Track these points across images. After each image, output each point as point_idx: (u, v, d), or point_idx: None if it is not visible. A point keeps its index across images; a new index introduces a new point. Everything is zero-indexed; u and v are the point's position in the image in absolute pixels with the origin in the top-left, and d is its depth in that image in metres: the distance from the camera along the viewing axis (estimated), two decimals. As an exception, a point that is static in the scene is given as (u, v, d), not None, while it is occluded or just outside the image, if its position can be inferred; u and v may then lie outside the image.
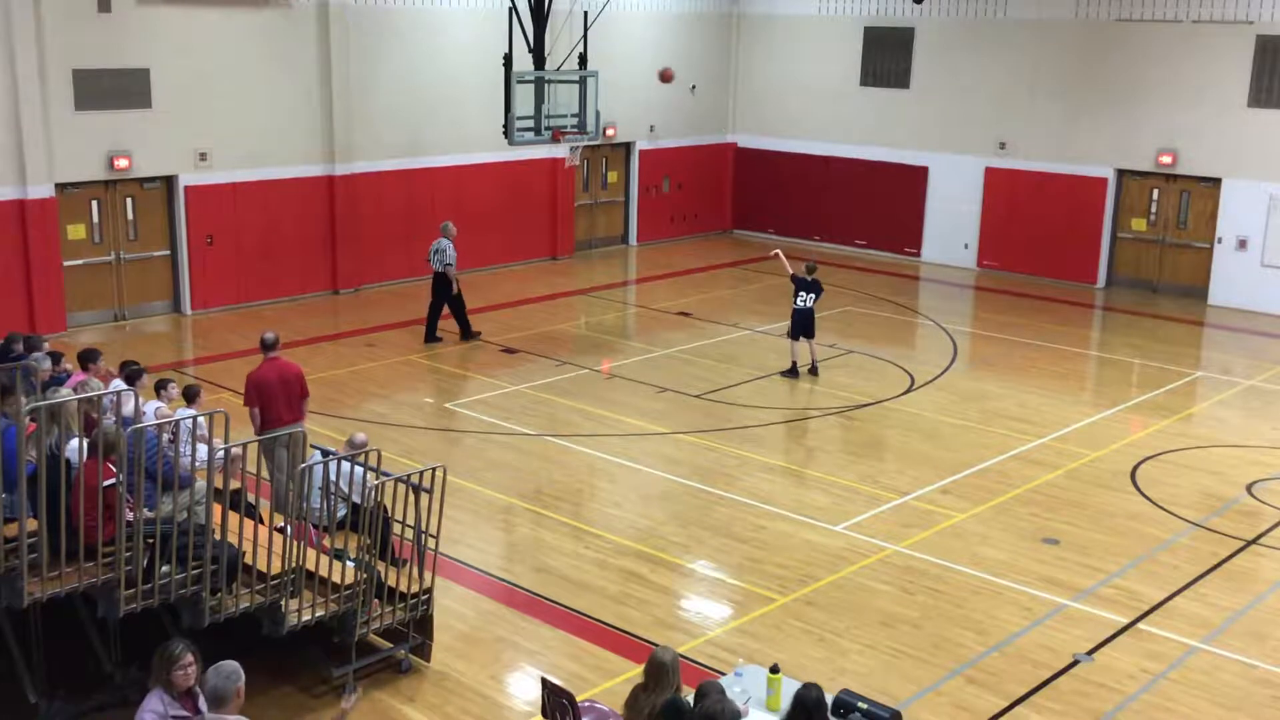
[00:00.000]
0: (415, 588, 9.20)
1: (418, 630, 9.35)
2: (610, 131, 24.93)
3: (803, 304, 17.05)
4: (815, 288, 17.16)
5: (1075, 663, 9.61)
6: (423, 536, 9.20)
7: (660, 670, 6.92)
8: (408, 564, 9.32)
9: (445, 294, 18.67)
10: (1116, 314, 22.08)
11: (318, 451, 10.05)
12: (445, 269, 18.48)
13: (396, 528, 9.49)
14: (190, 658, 6.42)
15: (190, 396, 10.79)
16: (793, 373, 17.11)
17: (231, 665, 6.15)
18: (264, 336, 11.85)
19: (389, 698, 8.94)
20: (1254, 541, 12.02)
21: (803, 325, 17.08)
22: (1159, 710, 8.97)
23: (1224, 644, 9.97)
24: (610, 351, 18.72)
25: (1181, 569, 11.35)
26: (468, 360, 17.86)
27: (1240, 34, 21.41)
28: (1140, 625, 10.25)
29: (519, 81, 18.91)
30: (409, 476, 9.17)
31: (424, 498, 9.09)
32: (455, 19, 22.43)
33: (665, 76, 20.21)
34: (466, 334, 18.90)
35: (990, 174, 24.69)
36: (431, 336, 18.76)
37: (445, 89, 22.46)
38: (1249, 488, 13.43)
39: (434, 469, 9.09)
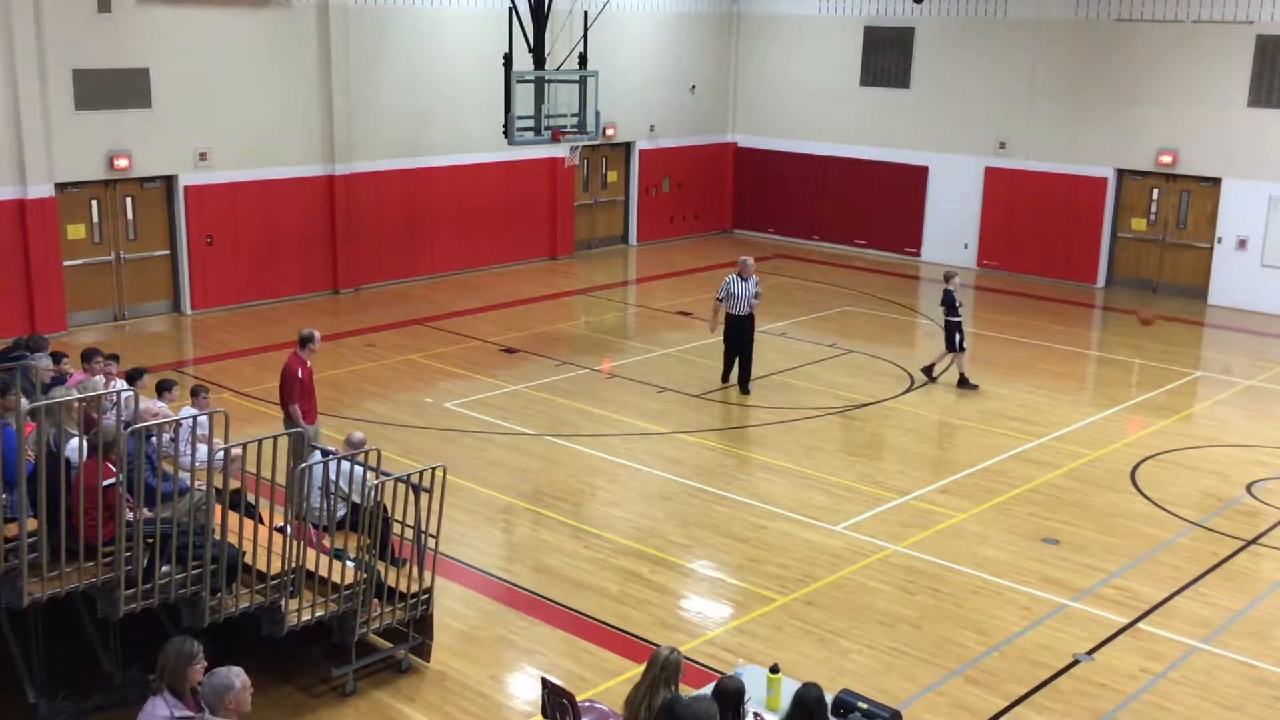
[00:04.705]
0: (415, 587, 9.20)
1: (418, 630, 9.35)
2: (610, 131, 24.93)
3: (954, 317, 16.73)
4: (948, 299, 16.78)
5: (1075, 663, 9.61)
6: (423, 536, 9.20)
7: (661, 670, 6.91)
8: (407, 564, 9.32)
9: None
10: (1117, 313, 22.08)
11: (317, 451, 10.04)
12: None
13: (396, 527, 9.49)
14: (201, 655, 6.39)
15: (193, 394, 10.80)
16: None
17: (223, 679, 5.97)
18: (302, 332, 12.27)
19: (389, 697, 8.94)
20: (1254, 541, 12.01)
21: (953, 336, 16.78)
22: (1159, 710, 8.97)
23: (1224, 644, 9.97)
24: (610, 351, 18.72)
25: (1181, 569, 11.35)
26: (467, 360, 17.86)
27: (1240, 34, 21.41)
28: (1140, 625, 10.25)
29: (519, 81, 18.91)
30: (409, 476, 9.17)
31: (424, 497, 9.09)
32: (455, 18, 22.43)
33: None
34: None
35: (990, 174, 24.69)
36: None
37: (445, 88, 22.46)
38: (1249, 487, 13.43)
39: (434, 469, 9.09)
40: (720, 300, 16.31)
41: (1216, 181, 22.17)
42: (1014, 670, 9.47)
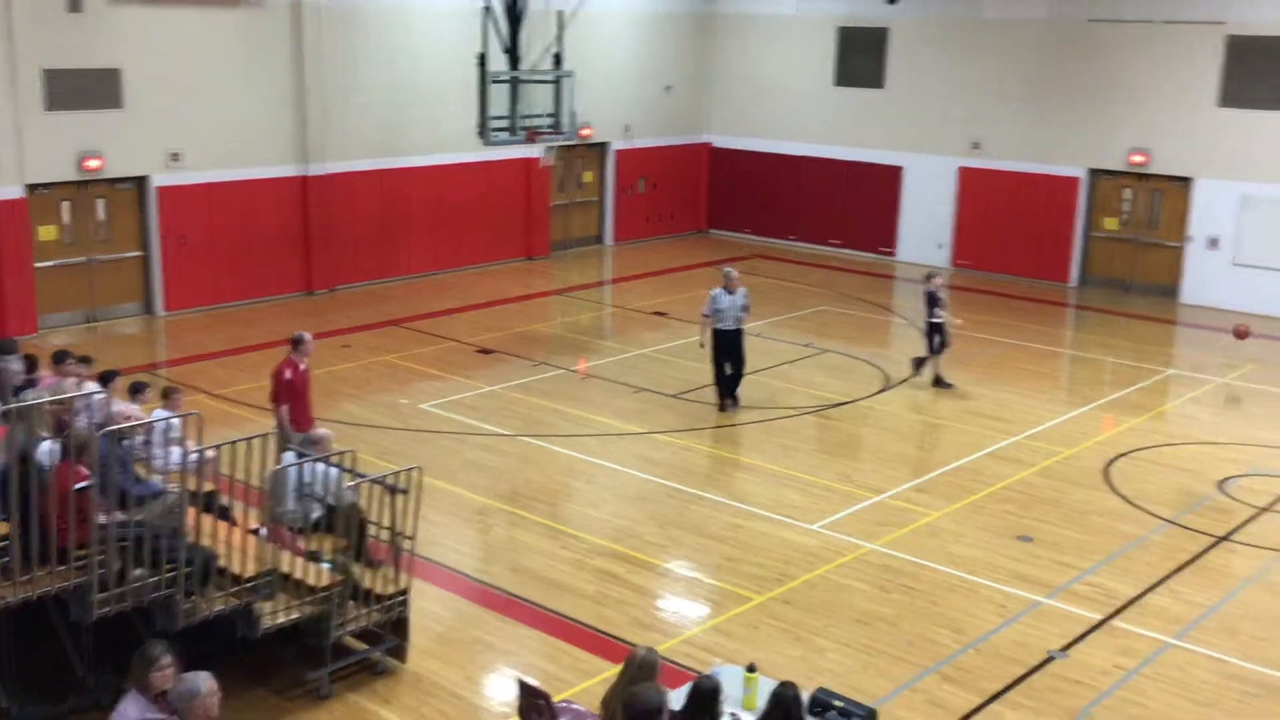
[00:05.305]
0: (391, 589, 9.17)
1: (394, 632, 9.31)
2: (586, 132, 24.92)
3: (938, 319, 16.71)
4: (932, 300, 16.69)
5: (1050, 659, 9.66)
6: (398, 538, 9.17)
7: (638, 670, 6.91)
8: (383, 565, 9.29)
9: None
10: (1089, 312, 22.23)
11: (291, 453, 10.00)
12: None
13: (372, 529, 9.45)
14: (169, 659, 6.38)
15: (165, 396, 10.74)
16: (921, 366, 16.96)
17: (191, 685, 5.96)
18: (294, 334, 12.23)
19: (365, 700, 8.90)
20: (1226, 538, 12.11)
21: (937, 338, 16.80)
22: (1133, 706, 9.03)
23: (1197, 640, 10.04)
24: (586, 351, 18.71)
25: (1154, 565, 11.43)
26: (443, 361, 17.81)
27: (1210, 35, 21.58)
28: (1114, 622, 10.32)
29: (493, 81, 18.86)
30: (384, 477, 9.14)
31: (400, 499, 9.06)
32: (430, 18, 22.38)
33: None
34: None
35: (964, 174, 24.81)
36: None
37: (420, 89, 22.40)
38: (1221, 484, 13.54)
39: (410, 470, 9.06)
40: (707, 316, 15.53)
41: (1187, 181, 22.35)
42: (989, 667, 9.51)
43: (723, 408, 15.58)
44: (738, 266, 17.31)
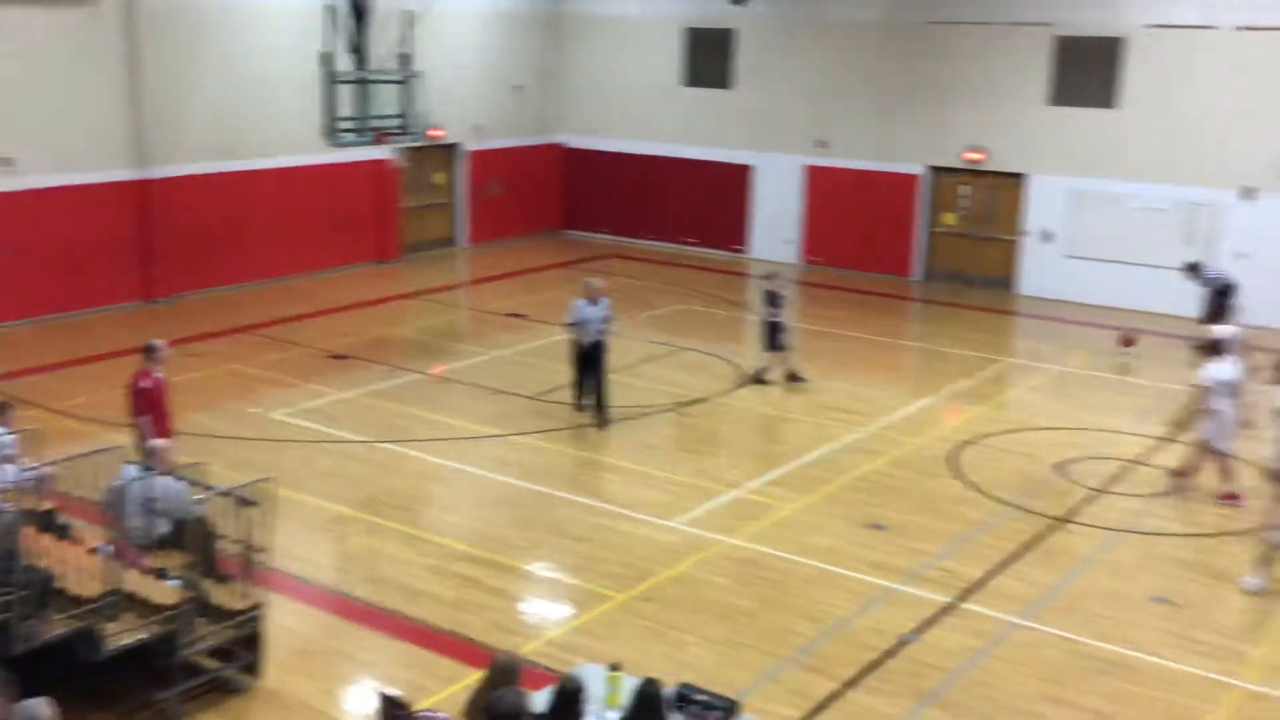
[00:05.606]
0: (244, 604, 8.92)
1: (247, 648, 9.06)
2: (436, 133, 24.62)
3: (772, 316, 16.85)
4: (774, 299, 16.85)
5: (903, 643, 9.94)
6: (251, 551, 8.93)
7: (502, 674, 6.87)
8: (235, 580, 9.03)
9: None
10: (933, 305, 22.95)
11: (132, 468, 9.64)
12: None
13: (223, 543, 9.17)
14: (4, 686, 6.08)
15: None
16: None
17: (29, 711, 5.73)
18: (148, 343, 11.81)
19: (217, 719, 8.64)
20: (1066, 520, 12.64)
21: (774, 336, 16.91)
22: (983, 686, 9.35)
23: (1042, 619, 10.45)
24: (443, 355, 18.50)
25: (1000, 548, 11.86)
26: (295, 368, 17.40)
27: (1039, 36, 22.48)
28: (963, 604, 10.66)
29: (339, 81, 18.49)
30: (235, 489, 8.89)
31: (251, 511, 8.82)
32: (271, 17, 21.83)
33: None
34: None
35: (811, 172, 25.33)
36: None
37: (263, 90, 21.83)
38: (1060, 467, 14.12)
39: (261, 481, 8.83)
40: (571, 325, 15.22)
41: (1021, 177, 23.24)
42: (845, 654, 9.73)
43: (579, 404, 15.34)
44: (594, 266, 17.34)
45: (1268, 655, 9.96)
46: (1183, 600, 10.84)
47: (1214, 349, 13.17)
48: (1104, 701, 9.14)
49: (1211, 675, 9.56)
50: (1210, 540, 12.18)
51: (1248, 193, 20.99)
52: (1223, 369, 12.90)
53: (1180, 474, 13.37)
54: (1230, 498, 12.96)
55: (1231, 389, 12.85)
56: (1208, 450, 13.03)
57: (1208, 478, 13.17)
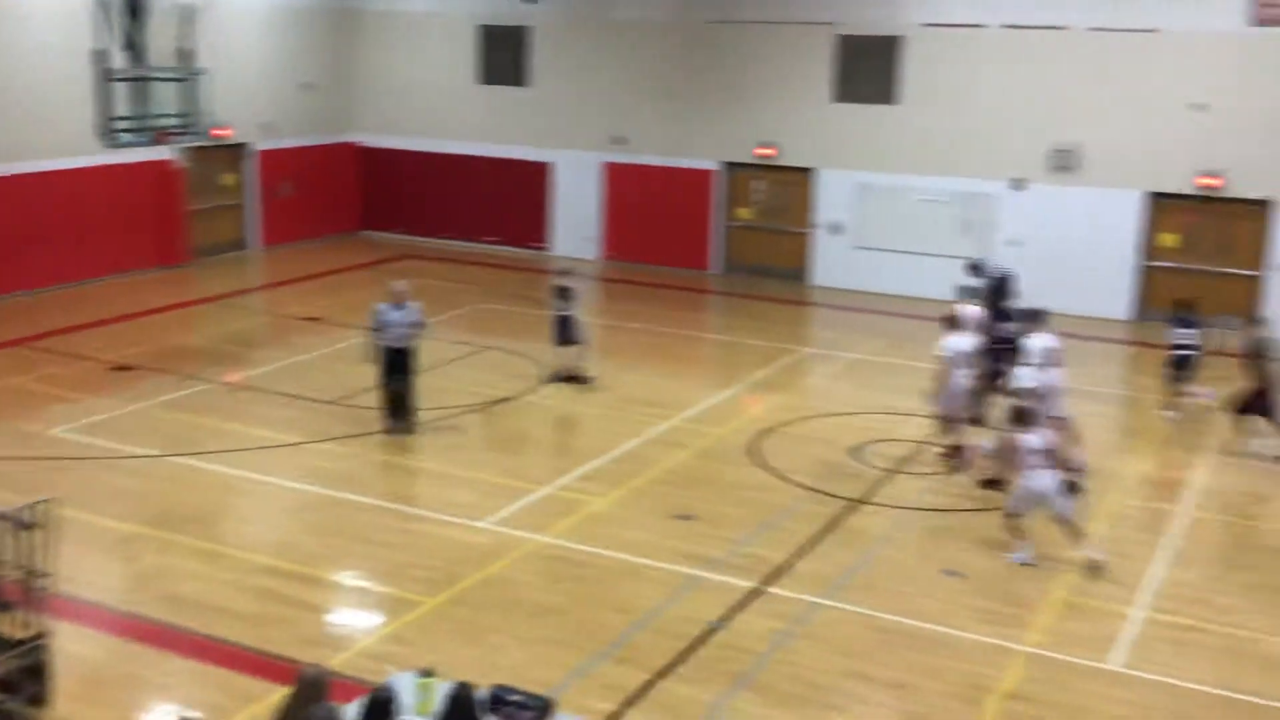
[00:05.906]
0: (26, 633, 8.43)
1: (32, 679, 8.56)
2: (222, 132, 23.72)
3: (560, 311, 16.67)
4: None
5: (712, 630, 10.15)
6: (32, 577, 8.44)
7: (307, 689, 6.71)
8: (16, 608, 8.52)
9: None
10: (731, 298, 23.49)
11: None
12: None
13: (2, 569, 8.65)
14: None
15: None
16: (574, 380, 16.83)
17: None
18: None
19: (3, 757, 8.16)
20: (861, 501, 13.14)
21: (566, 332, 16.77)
22: (790, 666, 9.63)
23: (843, 598, 10.83)
24: (238, 362, 17.89)
25: (801, 532, 12.24)
26: (77, 382, 16.52)
27: (821, 34, 23.25)
28: (769, 589, 10.96)
29: (114, 80, 17.60)
30: (12, 512, 8.39)
31: (31, 535, 8.34)
32: (35, 12, 20.63)
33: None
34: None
35: (609, 169, 25.55)
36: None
37: (30, 88, 20.63)
38: (855, 451, 14.66)
39: (42, 502, 8.36)
40: (375, 330, 14.60)
41: (810, 172, 24.00)
42: (657, 644, 9.87)
43: (389, 431, 14.69)
44: (392, 267, 17.07)
45: (1046, 621, 10.59)
46: (971, 572, 11.42)
47: (953, 323, 14.13)
48: (903, 673, 9.55)
49: (998, 642, 10.11)
50: (994, 514, 12.84)
51: (1018, 184, 22.23)
52: (961, 341, 13.93)
53: (952, 453, 14.08)
54: (953, 454, 13.96)
55: (968, 360, 13.90)
56: (946, 419, 13.89)
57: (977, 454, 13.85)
